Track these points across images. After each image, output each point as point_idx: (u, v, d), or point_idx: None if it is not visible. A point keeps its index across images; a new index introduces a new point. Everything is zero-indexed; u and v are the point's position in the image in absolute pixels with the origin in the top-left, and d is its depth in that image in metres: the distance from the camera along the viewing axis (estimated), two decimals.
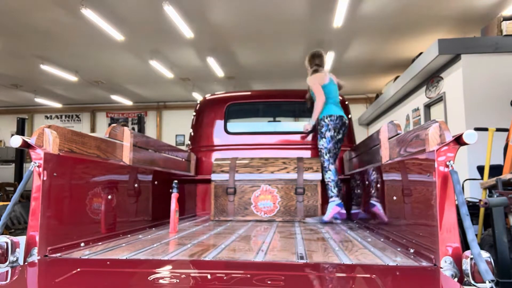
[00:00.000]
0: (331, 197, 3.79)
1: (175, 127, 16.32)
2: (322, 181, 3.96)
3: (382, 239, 2.40)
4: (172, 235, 2.71)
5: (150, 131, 16.57)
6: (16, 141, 1.81)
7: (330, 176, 3.88)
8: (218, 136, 4.61)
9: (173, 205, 2.91)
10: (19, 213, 7.22)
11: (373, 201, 2.90)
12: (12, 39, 9.40)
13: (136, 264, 1.78)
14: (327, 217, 3.69)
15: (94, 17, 7.86)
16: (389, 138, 2.50)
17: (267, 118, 5.41)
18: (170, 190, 2.97)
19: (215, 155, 4.52)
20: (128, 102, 16.33)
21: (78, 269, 1.65)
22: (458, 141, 1.60)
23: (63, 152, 2.02)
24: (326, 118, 4.01)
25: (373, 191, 2.88)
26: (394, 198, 2.26)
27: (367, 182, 3.13)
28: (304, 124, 4.26)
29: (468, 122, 6.45)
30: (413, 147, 1.97)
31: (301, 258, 1.84)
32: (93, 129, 16.88)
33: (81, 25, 8.51)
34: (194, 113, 4.80)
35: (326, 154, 3.95)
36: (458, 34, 8.97)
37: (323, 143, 3.98)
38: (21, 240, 1.76)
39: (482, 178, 3.90)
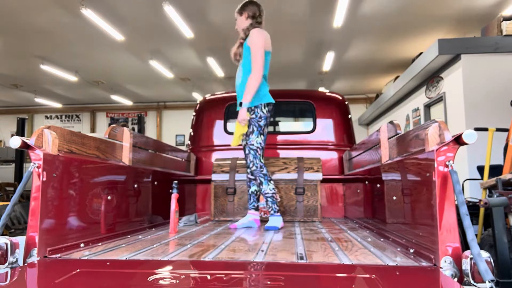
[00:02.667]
0: (277, 211, 3.17)
1: (175, 127, 16.32)
2: (322, 181, 3.95)
3: (382, 239, 2.39)
4: (172, 235, 2.71)
5: (150, 131, 16.56)
6: (15, 142, 1.81)
7: (272, 186, 3.17)
8: (218, 136, 4.60)
9: (173, 206, 2.91)
10: (19, 213, 7.21)
11: (372, 201, 2.89)
12: (12, 39, 9.39)
13: (136, 264, 1.78)
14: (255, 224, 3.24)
15: (94, 17, 7.86)
16: (389, 138, 2.50)
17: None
18: (170, 191, 2.97)
19: (215, 155, 4.51)
20: (128, 102, 16.33)
21: (78, 270, 1.65)
22: (458, 141, 1.60)
23: (62, 152, 2.02)
24: (265, 107, 3.11)
25: (372, 191, 2.88)
26: (394, 198, 2.26)
27: (366, 182, 3.13)
28: (241, 112, 3.06)
29: (468, 122, 6.44)
30: (413, 147, 1.96)
31: (301, 258, 1.83)
32: (93, 129, 16.88)
33: (81, 25, 8.51)
34: (194, 113, 4.79)
35: (262, 157, 3.15)
36: (458, 34, 8.97)
37: (260, 141, 3.12)
38: (21, 240, 1.76)
39: (482, 178, 3.90)
